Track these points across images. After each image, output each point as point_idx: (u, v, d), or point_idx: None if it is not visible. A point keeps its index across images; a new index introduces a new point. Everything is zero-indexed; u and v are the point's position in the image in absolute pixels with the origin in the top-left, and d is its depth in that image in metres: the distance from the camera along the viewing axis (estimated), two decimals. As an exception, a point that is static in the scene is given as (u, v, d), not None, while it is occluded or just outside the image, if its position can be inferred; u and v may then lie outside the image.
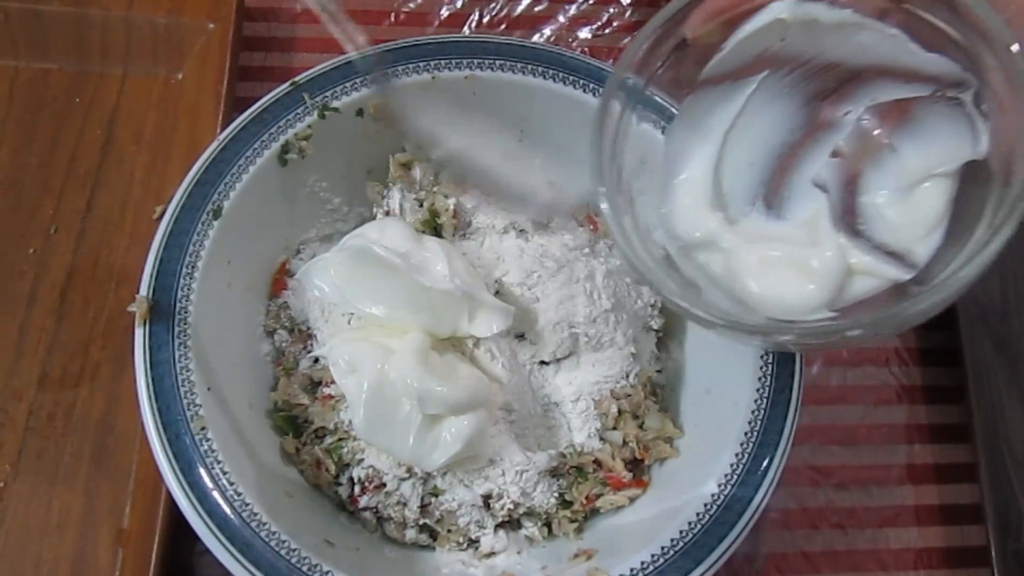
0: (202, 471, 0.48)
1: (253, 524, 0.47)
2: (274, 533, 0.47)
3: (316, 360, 0.58)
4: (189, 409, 0.49)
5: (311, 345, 0.59)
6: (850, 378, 0.71)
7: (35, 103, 0.71)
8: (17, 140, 0.70)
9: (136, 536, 0.57)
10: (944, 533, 0.67)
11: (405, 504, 0.54)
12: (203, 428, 0.49)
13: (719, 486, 0.51)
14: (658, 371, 0.61)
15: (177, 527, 0.58)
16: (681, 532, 0.50)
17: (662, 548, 0.50)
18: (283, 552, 0.47)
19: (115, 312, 0.65)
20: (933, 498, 0.68)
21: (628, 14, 0.84)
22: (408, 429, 0.51)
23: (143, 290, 0.52)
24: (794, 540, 0.65)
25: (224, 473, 0.48)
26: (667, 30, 0.47)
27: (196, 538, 0.58)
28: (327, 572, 0.47)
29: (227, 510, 0.47)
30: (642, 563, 0.49)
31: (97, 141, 0.70)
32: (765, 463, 0.51)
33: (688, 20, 0.46)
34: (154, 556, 0.55)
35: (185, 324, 0.51)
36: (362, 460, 0.54)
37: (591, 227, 0.65)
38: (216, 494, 0.48)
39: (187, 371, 0.50)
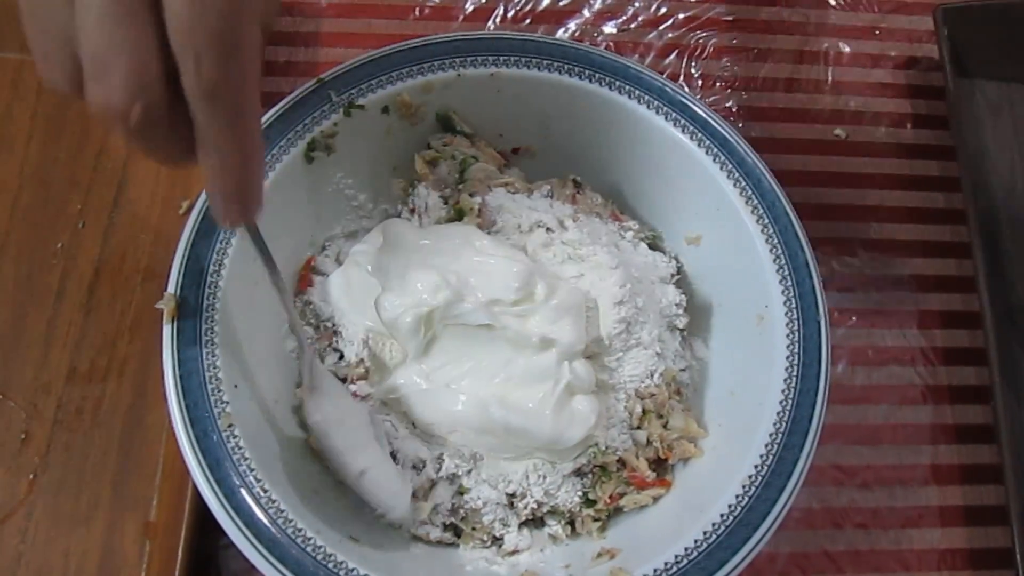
0: (229, 468, 0.48)
1: (279, 521, 0.48)
2: (300, 530, 0.48)
3: (341, 356, 0.59)
4: (216, 406, 0.50)
5: (336, 342, 0.59)
6: (875, 378, 0.71)
7: (63, 98, 0.71)
8: (45, 135, 0.70)
9: (163, 529, 0.58)
10: (968, 534, 0.66)
11: (435, 508, 0.55)
12: (230, 425, 0.50)
13: (743, 487, 0.51)
14: (682, 370, 0.61)
15: (203, 520, 0.59)
16: (705, 533, 0.50)
17: (685, 549, 0.49)
18: (309, 549, 0.47)
19: (142, 307, 0.65)
20: (957, 499, 0.67)
21: (654, 8, 0.83)
22: (543, 410, 0.53)
23: (171, 288, 0.52)
24: (817, 540, 0.65)
25: (251, 470, 0.49)
26: None
27: (222, 531, 0.60)
28: (352, 569, 0.47)
29: (254, 507, 0.48)
30: (665, 564, 0.49)
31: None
32: (790, 464, 0.51)
33: None
34: (181, 548, 0.56)
35: (212, 322, 0.52)
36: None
37: (615, 223, 0.65)
38: (243, 491, 0.48)
39: (215, 368, 0.51)
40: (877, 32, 0.85)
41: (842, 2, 0.86)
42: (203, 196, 0.55)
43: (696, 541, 0.49)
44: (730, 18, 0.84)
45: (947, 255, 0.76)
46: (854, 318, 0.73)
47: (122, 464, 0.61)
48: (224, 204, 0.42)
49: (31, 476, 0.60)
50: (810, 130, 0.80)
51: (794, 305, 0.55)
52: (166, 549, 0.57)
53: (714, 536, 0.49)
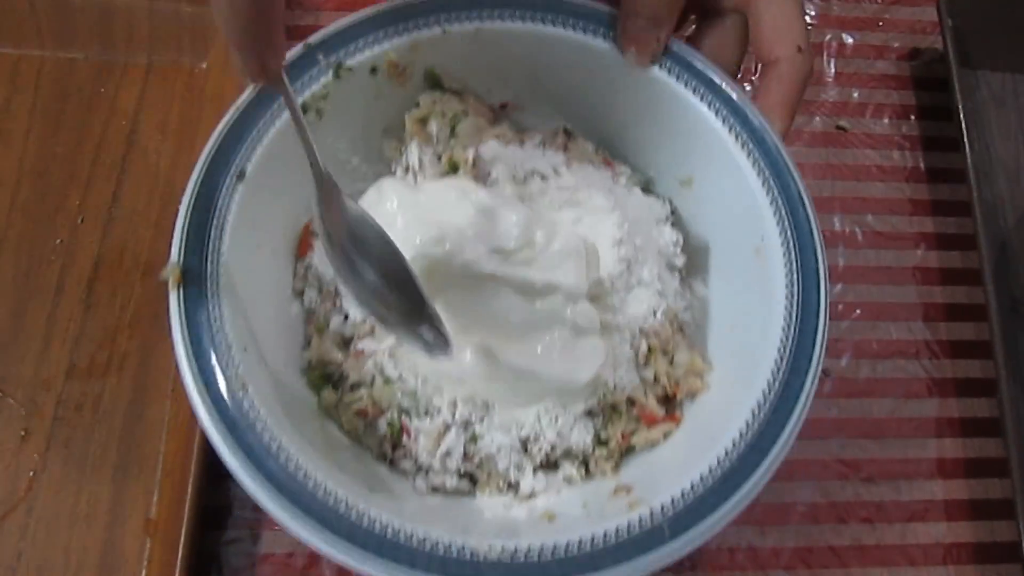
0: (246, 429, 0.48)
1: (299, 476, 0.47)
2: (320, 483, 0.48)
3: (346, 317, 0.59)
4: (228, 369, 0.49)
5: (340, 303, 0.59)
6: (880, 371, 0.70)
7: (61, 93, 0.71)
8: (44, 130, 0.70)
9: (164, 525, 0.58)
10: (974, 528, 0.66)
11: (448, 454, 0.55)
12: (243, 385, 0.49)
13: (752, 413, 0.51)
14: (684, 310, 0.61)
15: (205, 516, 0.59)
16: (719, 459, 0.50)
17: (700, 476, 0.49)
18: (331, 502, 0.47)
19: (142, 302, 0.65)
20: (963, 493, 0.67)
21: None
22: (551, 353, 0.53)
23: (173, 255, 0.51)
24: (822, 534, 0.65)
25: (268, 429, 0.48)
26: None
27: (224, 528, 0.60)
28: (375, 518, 0.47)
29: (273, 465, 0.47)
30: (682, 492, 0.49)
31: (123, 131, 0.70)
32: (797, 388, 0.51)
33: None
34: (182, 545, 0.56)
35: (217, 287, 0.51)
36: (405, 408, 0.55)
37: (608, 169, 0.65)
38: (262, 450, 0.48)
39: (223, 332, 0.50)
40: (880, 23, 0.85)
41: (845, -7, 0.86)
42: (199, 166, 0.54)
43: (711, 468, 0.49)
44: (732, 10, 0.83)
45: (952, 247, 0.76)
46: (858, 311, 0.72)
47: (122, 460, 0.60)
48: (240, 54, 0.43)
49: (31, 473, 0.59)
50: (813, 122, 0.79)
51: (789, 235, 0.55)
52: (167, 546, 0.56)
53: (728, 462, 0.49)
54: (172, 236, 0.52)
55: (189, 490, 0.57)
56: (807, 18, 0.84)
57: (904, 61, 0.83)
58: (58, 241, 0.66)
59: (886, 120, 0.80)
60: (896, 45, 0.84)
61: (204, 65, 0.73)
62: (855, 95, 0.81)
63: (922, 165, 0.79)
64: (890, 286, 0.74)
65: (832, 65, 0.82)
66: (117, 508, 0.59)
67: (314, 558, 0.60)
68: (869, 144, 0.79)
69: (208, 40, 0.72)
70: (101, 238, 0.67)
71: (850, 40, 0.83)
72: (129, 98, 0.72)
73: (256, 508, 0.60)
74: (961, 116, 0.74)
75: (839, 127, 0.79)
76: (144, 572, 0.57)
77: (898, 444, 0.68)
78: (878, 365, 0.71)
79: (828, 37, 0.83)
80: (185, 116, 0.71)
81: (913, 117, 0.81)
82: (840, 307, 0.72)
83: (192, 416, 0.58)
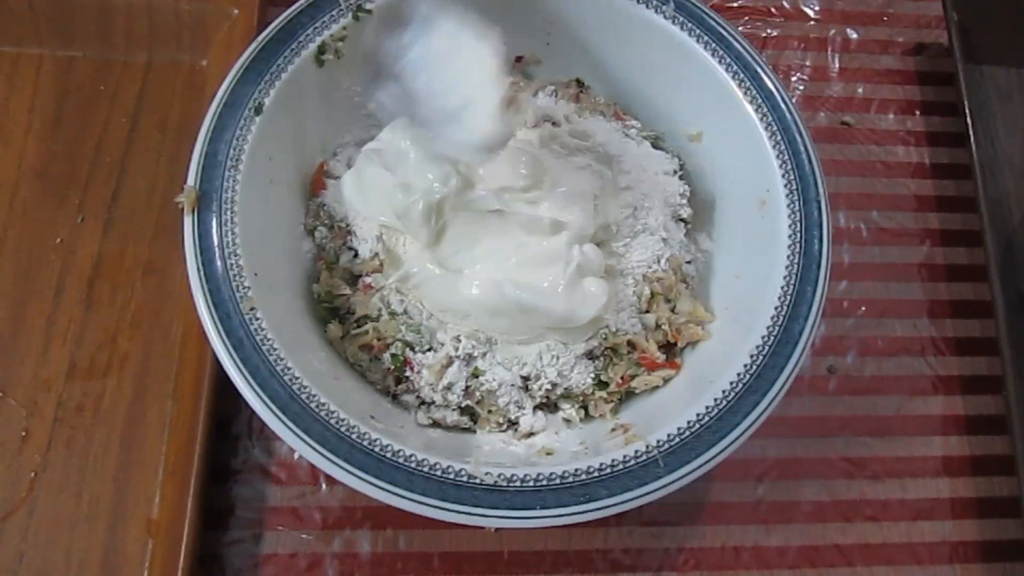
0: (252, 348, 0.49)
1: (303, 396, 0.49)
2: (323, 404, 0.49)
3: (355, 255, 0.60)
4: (238, 291, 0.51)
5: (350, 240, 0.60)
6: (885, 368, 0.70)
7: (60, 91, 0.71)
8: (43, 129, 0.69)
9: (166, 527, 0.57)
10: (980, 526, 0.66)
11: (449, 388, 0.56)
12: (252, 308, 0.50)
13: (751, 356, 0.52)
14: (688, 262, 0.62)
15: (207, 517, 0.58)
16: (716, 400, 0.51)
17: (697, 415, 0.51)
18: (332, 421, 0.48)
19: (142, 302, 0.64)
20: (969, 491, 0.67)
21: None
22: (556, 288, 0.54)
23: (190, 180, 0.53)
24: (827, 532, 0.64)
25: (274, 350, 0.50)
26: None
27: (226, 528, 0.60)
28: (375, 439, 0.48)
29: (276, 384, 0.49)
30: (679, 428, 0.50)
31: (122, 129, 0.70)
32: (795, 334, 0.53)
33: None
34: (184, 547, 0.55)
35: (232, 213, 0.53)
36: (409, 342, 0.56)
37: (618, 122, 0.66)
38: (265, 368, 0.49)
39: (235, 256, 0.52)
40: (885, 18, 0.84)
41: (849, -13, 0.85)
42: (217, 97, 0.56)
43: (708, 408, 0.51)
44: (736, 4, 0.83)
45: (957, 243, 0.75)
46: (863, 308, 0.72)
47: (124, 461, 0.60)
48: None
49: (32, 474, 0.59)
50: (817, 117, 0.79)
51: (794, 187, 0.57)
52: (169, 547, 0.56)
53: (725, 402, 0.51)
54: (189, 158, 0.54)
55: (191, 491, 0.57)
56: (811, 12, 0.84)
57: (909, 56, 0.82)
58: (58, 241, 0.66)
59: (891, 115, 0.80)
60: (901, 40, 0.83)
61: (204, 62, 0.72)
62: (860, 90, 0.80)
63: (927, 161, 0.78)
64: (895, 283, 0.73)
65: (836, 60, 0.81)
66: (119, 509, 0.59)
67: (317, 558, 0.60)
68: (874, 140, 0.78)
69: (208, 37, 0.72)
70: (101, 237, 0.66)
71: (854, 35, 0.83)
72: (129, 96, 0.71)
73: (259, 508, 0.61)
74: (967, 111, 0.73)
75: (844, 123, 0.79)
76: (146, 573, 0.57)
77: (904, 442, 0.68)
78: (883, 362, 0.70)
79: (832, 32, 0.83)
80: (185, 114, 0.71)
81: (918, 112, 0.80)
82: (845, 304, 0.71)
83: (193, 415, 0.59)
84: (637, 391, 0.58)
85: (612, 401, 0.58)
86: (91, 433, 0.60)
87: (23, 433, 0.60)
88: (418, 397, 0.57)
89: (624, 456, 0.50)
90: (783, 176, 0.58)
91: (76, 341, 0.63)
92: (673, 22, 0.61)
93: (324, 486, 0.61)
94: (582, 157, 0.61)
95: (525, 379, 0.57)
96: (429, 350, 0.57)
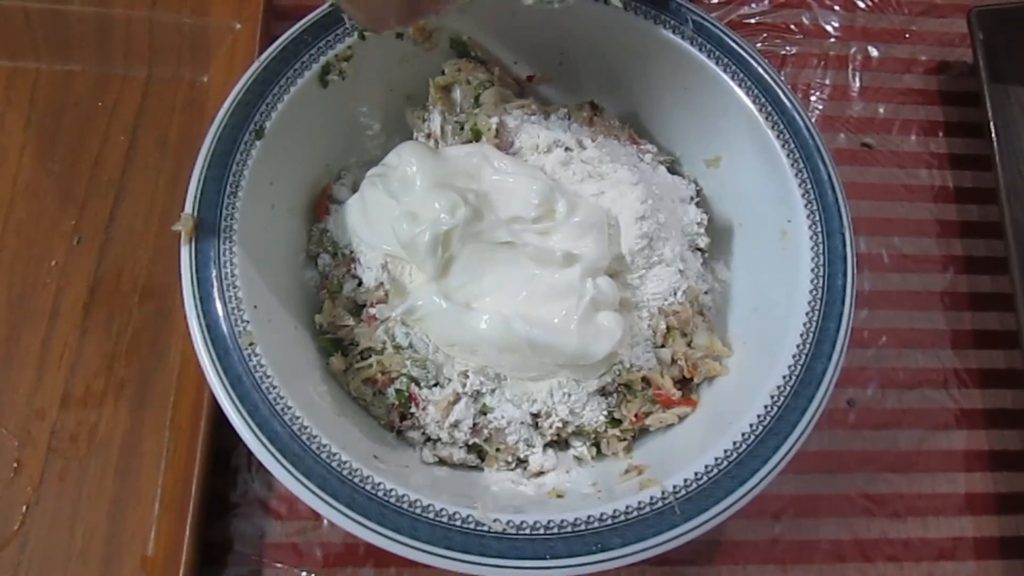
0: (251, 386, 0.48)
1: (303, 437, 0.47)
2: (324, 446, 0.47)
3: (360, 283, 0.58)
4: (237, 325, 0.49)
5: (354, 268, 0.58)
6: (906, 400, 0.68)
7: (57, 106, 0.69)
8: (39, 146, 0.67)
9: (162, 563, 0.56)
10: (1005, 567, 0.63)
11: (456, 425, 0.54)
12: (251, 343, 0.49)
13: (772, 397, 0.50)
14: (705, 293, 0.60)
15: (205, 552, 0.56)
16: (735, 443, 0.49)
17: (715, 459, 0.49)
18: (334, 464, 0.47)
19: (139, 327, 0.63)
20: (993, 530, 0.64)
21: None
22: (569, 324, 0.52)
23: (188, 208, 0.52)
24: (846, 573, 0.62)
25: (274, 388, 0.48)
26: None
27: (225, 564, 0.58)
28: (379, 483, 0.47)
29: (276, 425, 0.47)
30: (696, 474, 0.48)
31: (121, 147, 0.68)
32: (819, 373, 0.51)
33: None
34: (180, 586, 0.53)
35: (231, 242, 0.51)
36: (415, 377, 0.55)
37: (633, 145, 0.64)
38: (264, 408, 0.47)
39: (234, 288, 0.50)
40: (907, 35, 0.82)
41: (871, 4, 0.83)
42: (217, 120, 0.54)
43: (726, 451, 0.49)
44: (753, 20, 0.81)
45: (982, 271, 0.73)
46: (884, 338, 0.70)
47: (119, 494, 0.58)
48: None
49: (24, 507, 0.57)
50: (837, 139, 0.77)
51: (818, 218, 0.55)
52: (164, 586, 0.54)
53: (744, 445, 0.49)
54: (187, 187, 0.52)
55: (188, 525, 0.55)
56: (831, 28, 0.81)
57: (932, 75, 0.80)
58: (53, 263, 0.64)
59: (913, 137, 0.77)
60: (924, 58, 0.81)
61: (205, 78, 0.70)
62: (881, 110, 0.78)
63: (951, 184, 0.76)
64: (917, 311, 0.71)
65: (857, 79, 0.79)
66: (113, 544, 0.57)
67: (317, 597, 0.58)
68: (896, 162, 0.76)
69: (210, 52, 0.70)
70: (98, 260, 0.64)
71: (876, 52, 0.81)
72: (127, 112, 0.69)
73: (258, 544, 0.59)
74: (992, 133, 0.71)
75: (864, 144, 0.76)
76: (140, 613, 0.55)
77: (926, 478, 0.65)
78: (904, 395, 0.68)
79: (853, 50, 0.80)
80: (185, 131, 0.69)
81: (941, 133, 0.78)
82: (865, 334, 0.69)
83: (191, 446, 0.57)
84: (651, 429, 0.56)
85: (626, 439, 0.56)
86: (85, 464, 0.59)
87: (15, 464, 0.58)
88: (424, 434, 0.55)
89: (639, 502, 0.48)
90: (806, 206, 0.56)
91: (71, 368, 0.61)
92: (691, 43, 0.59)
93: (326, 522, 0.60)
94: (595, 184, 0.58)
95: (535, 416, 0.55)
96: (435, 385, 0.55)
